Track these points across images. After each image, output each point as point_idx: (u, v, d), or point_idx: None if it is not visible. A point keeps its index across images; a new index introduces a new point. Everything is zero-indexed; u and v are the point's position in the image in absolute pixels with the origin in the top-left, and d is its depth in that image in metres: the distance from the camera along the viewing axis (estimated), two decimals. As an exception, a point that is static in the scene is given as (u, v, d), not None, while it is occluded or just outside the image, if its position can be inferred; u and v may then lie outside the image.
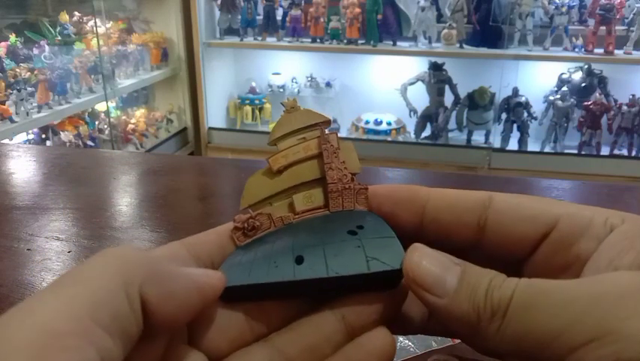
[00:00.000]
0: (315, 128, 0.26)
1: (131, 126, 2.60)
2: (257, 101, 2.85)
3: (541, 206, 0.24)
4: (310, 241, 0.24)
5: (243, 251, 0.25)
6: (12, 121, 1.90)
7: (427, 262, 0.21)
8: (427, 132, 2.69)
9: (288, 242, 0.24)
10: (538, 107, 2.58)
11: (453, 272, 0.21)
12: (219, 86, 2.87)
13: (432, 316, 0.25)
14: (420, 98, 2.64)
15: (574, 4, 2.51)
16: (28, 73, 2.02)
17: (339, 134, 0.27)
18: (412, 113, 2.70)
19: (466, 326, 0.20)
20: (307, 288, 0.23)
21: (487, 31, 2.52)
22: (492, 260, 0.24)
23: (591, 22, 2.46)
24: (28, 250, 0.58)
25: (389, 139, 2.70)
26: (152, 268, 0.20)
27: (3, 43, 2.03)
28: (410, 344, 0.45)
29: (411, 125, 2.74)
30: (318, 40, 2.66)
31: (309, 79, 2.83)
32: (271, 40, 2.73)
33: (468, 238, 0.25)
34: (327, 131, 0.26)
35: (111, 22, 2.52)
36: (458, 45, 2.55)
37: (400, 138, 2.72)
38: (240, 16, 2.71)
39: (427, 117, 2.66)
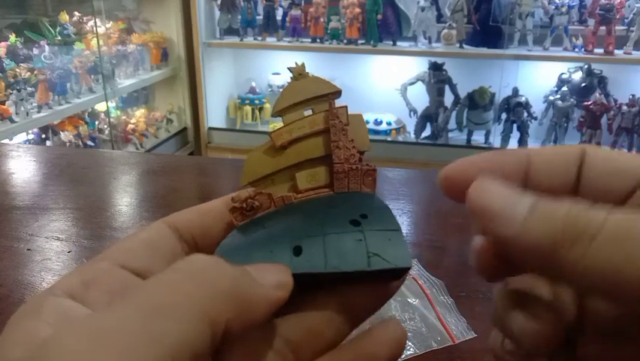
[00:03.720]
0: (323, 99, 0.24)
1: (131, 126, 2.60)
2: (257, 101, 2.85)
3: (632, 160, 0.22)
4: (310, 230, 0.22)
5: (240, 233, 0.23)
6: (12, 121, 1.90)
7: (494, 188, 0.20)
8: (427, 132, 2.69)
9: (287, 228, 0.23)
10: (538, 107, 2.58)
11: (524, 199, 0.19)
12: (219, 86, 2.87)
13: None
14: (420, 98, 2.64)
15: (574, 4, 2.51)
16: (28, 73, 2.02)
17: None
18: (412, 113, 2.70)
19: (538, 257, 0.18)
20: (303, 279, 0.21)
21: (487, 31, 2.52)
22: None
23: (591, 22, 2.46)
24: (28, 250, 0.58)
25: (389, 139, 2.70)
26: (238, 297, 0.18)
27: (3, 43, 2.03)
28: (410, 344, 0.45)
29: (411, 125, 2.74)
30: (318, 40, 2.66)
31: (309, 79, 2.83)
32: (271, 40, 2.72)
33: (567, 193, 0.23)
34: (336, 103, 0.24)
35: (111, 22, 2.52)
36: (458, 45, 2.55)
37: (400, 138, 2.72)
38: (239, 16, 2.71)
39: (427, 117, 2.66)
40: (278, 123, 0.25)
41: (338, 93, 0.24)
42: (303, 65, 0.25)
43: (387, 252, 0.21)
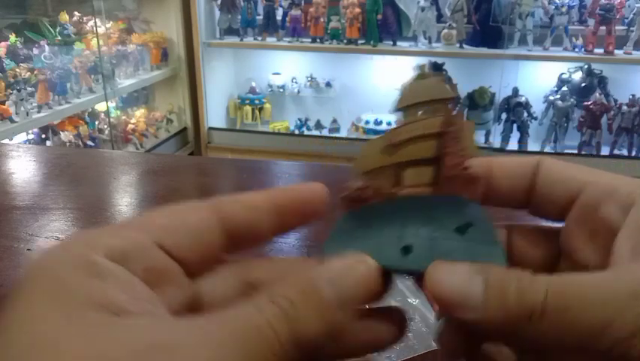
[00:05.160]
0: (441, 103, 0.25)
1: (131, 126, 2.60)
2: (257, 101, 2.85)
3: (574, 172, 0.25)
4: (419, 231, 0.24)
5: (351, 220, 0.25)
6: (12, 121, 1.90)
7: (448, 280, 0.21)
8: (427, 132, 2.69)
9: (396, 225, 0.24)
10: (538, 107, 2.58)
11: (476, 283, 0.21)
12: (219, 86, 2.87)
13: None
14: (420, 98, 2.63)
15: (574, 4, 2.51)
16: (28, 73, 2.02)
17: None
18: (412, 113, 2.69)
19: (503, 332, 0.21)
20: (403, 271, 0.23)
21: (487, 31, 2.52)
22: (540, 216, 0.26)
23: (591, 22, 2.46)
24: (28, 250, 0.58)
25: (389, 139, 2.70)
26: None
27: (3, 43, 2.03)
28: (410, 344, 0.45)
29: (411, 125, 2.73)
30: (318, 40, 2.66)
31: (309, 79, 2.83)
32: (271, 40, 2.72)
33: (522, 200, 0.26)
34: (453, 109, 0.25)
35: (111, 22, 2.52)
36: (458, 45, 2.55)
37: (400, 138, 2.72)
38: (240, 16, 2.71)
39: (427, 117, 2.66)
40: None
41: (455, 100, 0.25)
42: (424, 66, 0.26)
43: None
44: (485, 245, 0.23)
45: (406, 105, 0.26)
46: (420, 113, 0.25)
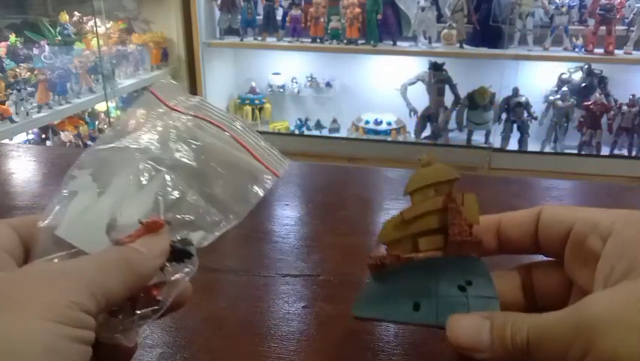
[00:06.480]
0: (445, 184, 0.31)
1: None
2: (257, 101, 2.85)
3: (566, 212, 0.30)
4: (426, 291, 0.31)
5: (375, 284, 0.32)
6: (12, 121, 1.90)
7: (464, 330, 0.27)
8: (427, 132, 2.69)
9: (409, 287, 0.31)
10: (538, 107, 2.58)
11: (485, 330, 0.27)
12: (219, 86, 2.87)
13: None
14: (420, 98, 2.63)
15: (574, 4, 2.51)
16: (28, 73, 2.02)
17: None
18: (412, 113, 2.70)
19: None
20: (413, 324, 0.31)
21: (487, 31, 2.52)
22: (549, 255, 0.31)
23: (591, 22, 2.46)
24: (28, 250, 0.58)
25: (389, 139, 2.70)
26: (133, 270, 0.26)
27: (3, 43, 2.03)
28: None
29: (411, 125, 2.74)
30: (318, 40, 2.66)
31: (309, 79, 2.83)
32: (271, 40, 2.72)
33: (531, 245, 0.31)
34: (454, 188, 0.31)
35: (111, 22, 2.52)
36: (458, 45, 2.55)
37: (400, 138, 2.72)
38: (239, 16, 2.71)
39: (427, 117, 2.66)
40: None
41: (456, 180, 0.31)
42: (429, 155, 0.31)
43: None
44: (482, 299, 0.30)
45: (414, 189, 0.31)
46: (428, 193, 0.31)
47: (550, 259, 0.31)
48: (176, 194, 0.29)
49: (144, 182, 0.29)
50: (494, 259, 0.32)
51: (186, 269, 0.28)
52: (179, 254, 0.28)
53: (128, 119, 0.33)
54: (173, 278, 0.28)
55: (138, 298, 0.27)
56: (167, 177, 0.29)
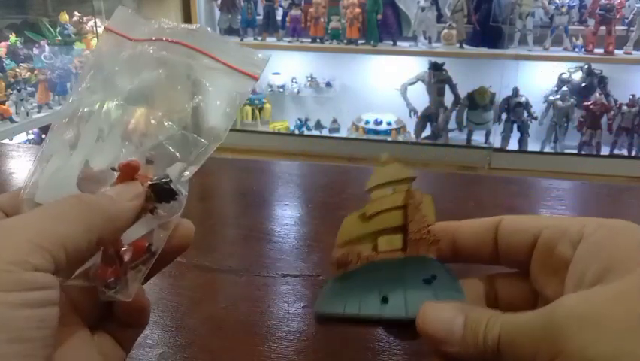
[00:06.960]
0: (403, 182, 0.31)
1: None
2: (257, 101, 2.85)
3: (529, 221, 0.29)
4: (394, 285, 0.30)
5: (339, 282, 0.31)
6: (12, 121, 1.90)
7: (436, 320, 0.26)
8: (427, 132, 2.69)
9: (375, 282, 0.30)
10: (538, 107, 2.58)
11: (458, 323, 0.26)
12: (219, 86, 2.87)
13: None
14: (420, 98, 2.63)
15: (574, 4, 2.51)
16: (28, 73, 2.02)
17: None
18: (412, 113, 2.70)
19: None
20: (383, 320, 0.29)
21: (487, 31, 2.52)
22: (510, 266, 0.30)
23: (591, 22, 2.46)
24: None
25: (389, 139, 2.70)
26: (105, 214, 0.25)
27: (3, 43, 2.03)
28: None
29: (411, 125, 2.74)
30: (318, 40, 2.66)
31: (309, 79, 2.83)
32: (271, 40, 2.72)
33: (490, 256, 0.30)
34: (413, 186, 0.31)
35: (111, 22, 2.51)
36: (458, 45, 2.55)
37: (400, 138, 2.72)
38: (240, 16, 2.71)
39: (427, 117, 2.66)
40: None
41: (413, 178, 0.31)
42: (387, 156, 0.31)
43: None
44: (449, 290, 0.29)
45: (374, 186, 0.31)
46: (387, 190, 0.31)
47: (513, 270, 0.30)
48: (149, 127, 0.28)
49: (114, 125, 0.29)
50: (458, 267, 0.31)
51: (173, 208, 0.27)
52: (161, 193, 0.27)
53: (95, 61, 0.32)
54: (160, 221, 0.27)
55: (126, 250, 0.26)
56: (138, 111, 0.29)
